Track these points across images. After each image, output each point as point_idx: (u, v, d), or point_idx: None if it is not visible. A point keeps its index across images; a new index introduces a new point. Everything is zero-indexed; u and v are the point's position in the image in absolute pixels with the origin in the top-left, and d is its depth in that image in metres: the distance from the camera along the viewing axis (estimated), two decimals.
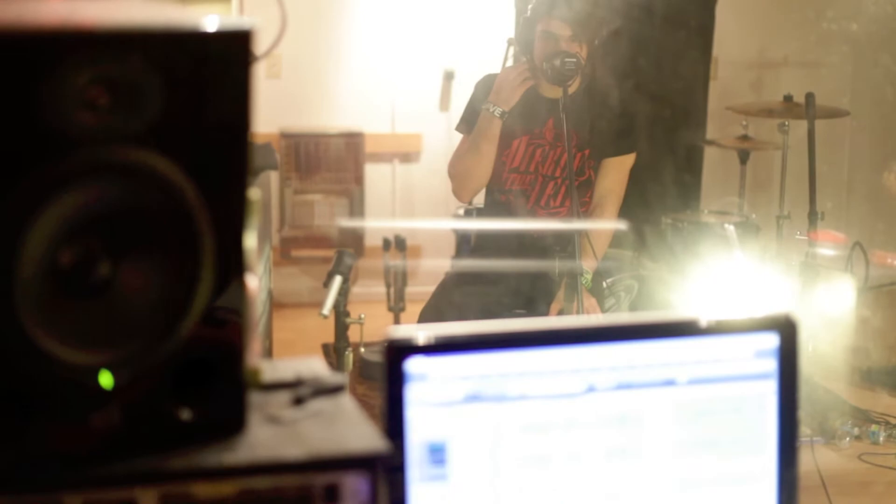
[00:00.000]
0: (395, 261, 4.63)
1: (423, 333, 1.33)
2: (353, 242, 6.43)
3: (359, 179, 6.54)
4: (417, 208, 6.67)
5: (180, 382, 1.22)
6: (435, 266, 4.95)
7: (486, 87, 4.31)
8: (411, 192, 6.71)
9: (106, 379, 1.18)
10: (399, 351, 1.32)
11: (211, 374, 1.23)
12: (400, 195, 6.74)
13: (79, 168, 1.14)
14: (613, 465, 1.40)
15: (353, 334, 3.64)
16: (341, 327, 3.54)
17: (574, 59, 3.98)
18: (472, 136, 4.24)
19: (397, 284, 4.90)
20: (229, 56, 1.21)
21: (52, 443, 1.18)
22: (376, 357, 4.54)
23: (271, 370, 1.39)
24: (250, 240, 1.24)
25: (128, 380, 1.19)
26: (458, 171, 4.32)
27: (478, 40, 6.35)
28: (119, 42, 1.16)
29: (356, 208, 6.54)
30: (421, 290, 4.75)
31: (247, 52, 1.22)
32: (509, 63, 5.36)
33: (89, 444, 1.19)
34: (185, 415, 1.23)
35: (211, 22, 1.20)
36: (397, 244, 4.68)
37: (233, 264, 1.23)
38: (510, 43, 5.48)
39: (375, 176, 6.65)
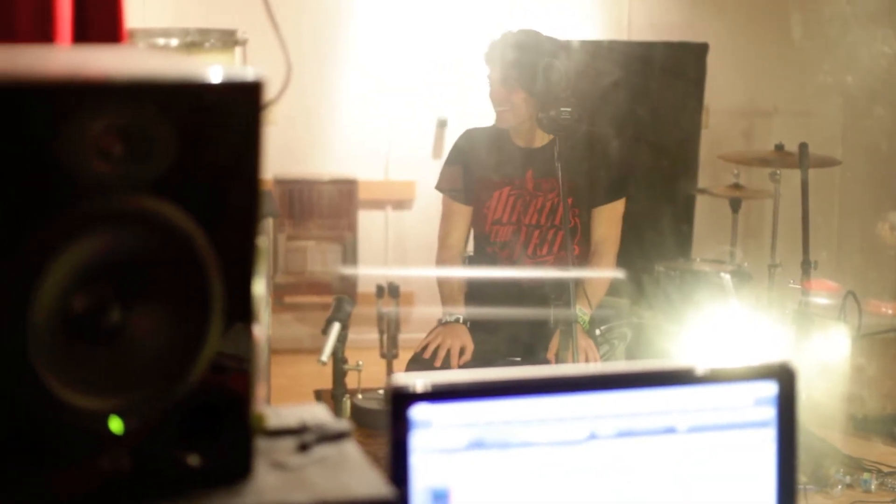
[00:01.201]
0: (388, 307, 4.63)
1: (427, 381, 1.34)
2: (347, 289, 6.42)
3: (352, 226, 6.54)
4: (410, 255, 6.67)
5: (188, 428, 1.23)
6: (428, 313, 4.95)
7: (468, 141, 4.35)
8: (404, 239, 6.72)
9: (116, 424, 1.19)
10: (403, 398, 1.33)
11: (218, 421, 1.24)
12: (393, 242, 6.74)
13: (92, 216, 1.16)
14: None
15: (350, 381, 3.64)
16: (339, 374, 3.54)
17: (569, 110, 4.00)
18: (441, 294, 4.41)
19: (390, 331, 4.89)
20: (239, 106, 1.23)
21: (61, 487, 1.19)
22: (372, 404, 4.53)
23: (275, 416, 1.40)
24: (258, 287, 1.26)
25: (137, 425, 1.20)
26: (437, 255, 4.48)
27: (471, 88, 6.37)
28: (132, 92, 1.18)
29: (349, 255, 6.54)
30: (414, 336, 4.74)
31: (256, 102, 1.24)
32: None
33: (98, 489, 1.20)
34: (193, 460, 1.24)
35: (221, 73, 1.22)
36: (390, 291, 4.67)
37: (241, 312, 1.25)
38: None
39: (368, 223, 6.65)
